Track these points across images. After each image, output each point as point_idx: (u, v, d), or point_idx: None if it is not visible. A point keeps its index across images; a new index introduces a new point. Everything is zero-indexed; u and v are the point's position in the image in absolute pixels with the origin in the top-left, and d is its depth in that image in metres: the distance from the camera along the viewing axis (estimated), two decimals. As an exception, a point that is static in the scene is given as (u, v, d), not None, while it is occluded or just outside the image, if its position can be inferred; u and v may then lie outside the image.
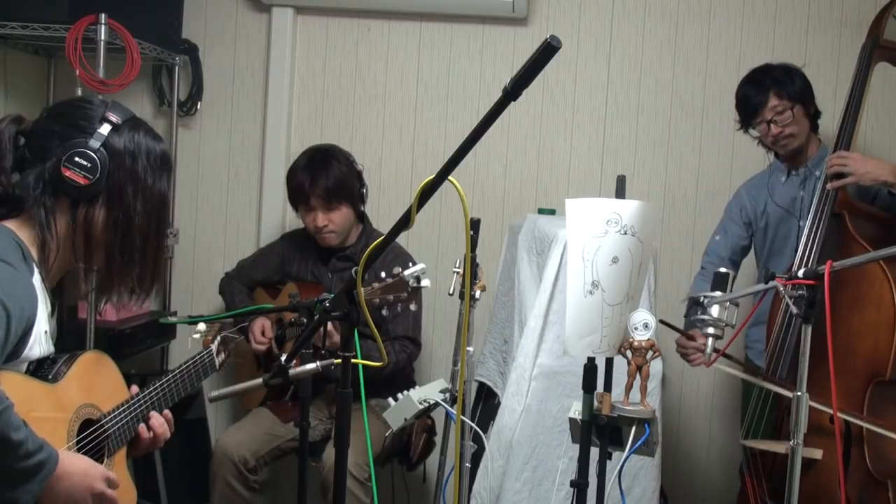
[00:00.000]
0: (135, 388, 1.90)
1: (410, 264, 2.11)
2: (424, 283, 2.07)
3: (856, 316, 2.46)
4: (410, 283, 2.06)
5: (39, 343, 1.62)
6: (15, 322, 1.50)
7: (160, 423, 1.88)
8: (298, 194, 3.09)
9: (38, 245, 1.66)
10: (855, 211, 2.62)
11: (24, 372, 1.62)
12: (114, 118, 1.70)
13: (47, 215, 1.65)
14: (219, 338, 2.25)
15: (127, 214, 1.70)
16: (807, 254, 2.63)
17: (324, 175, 3.04)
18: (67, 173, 1.64)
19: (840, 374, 2.37)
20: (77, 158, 1.64)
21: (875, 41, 2.74)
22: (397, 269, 2.08)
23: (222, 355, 2.23)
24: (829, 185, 2.64)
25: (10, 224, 1.66)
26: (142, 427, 1.85)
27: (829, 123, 3.04)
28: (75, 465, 1.58)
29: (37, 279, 1.63)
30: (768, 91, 2.79)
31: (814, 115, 2.88)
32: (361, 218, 3.21)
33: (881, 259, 2.35)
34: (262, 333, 3.01)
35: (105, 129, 1.68)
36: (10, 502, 1.45)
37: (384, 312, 2.09)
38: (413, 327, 3.10)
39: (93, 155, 1.65)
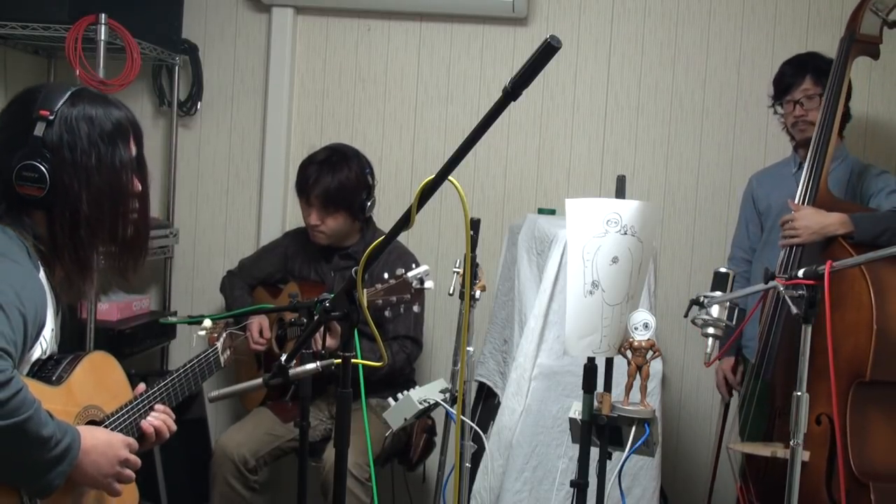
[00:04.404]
0: (141, 386, 1.89)
1: (414, 265, 2.11)
2: (428, 284, 2.07)
3: (837, 316, 2.44)
4: (414, 284, 2.06)
5: (41, 344, 1.63)
6: (31, 326, 1.53)
7: (161, 420, 1.88)
8: (302, 186, 3.08)
9: (33, 246, 1.66)
10: (835, 208, 2.61)
11: (27, 374, 1.62)
12: (46, 112, 1.64)
13: (27, 226, 1.65)
14: (224, 335, 2.25)
15: (77, 205, 1.66)
16: (790, 250, 2.65)
17: (329, 178, 3.01)
18: (23, 190, 1.62)
19: (824, 375, 2.37)
20: (25, 173, 1.62)
21: (852, 35, 2.72)
22: (400, 271, 2.07)
23: (227, 352, 2.23)
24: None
25: (7, 224, 1.65)
26: (145, 423, 1.85)
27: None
28: (97, 437, 1.63)
29: (42, 276, 1.64)
30: (806, 73, 2.83)
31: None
32: (366, 220, 3.20)
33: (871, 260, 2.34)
34: (261, 334, 3.01)
35: (39, 129, 1.64)
36: (46, 485, 1.52)
37: (387, 313, 2.09)
38: (415, 327, 3.10)
39: (36, 164, 1.62)
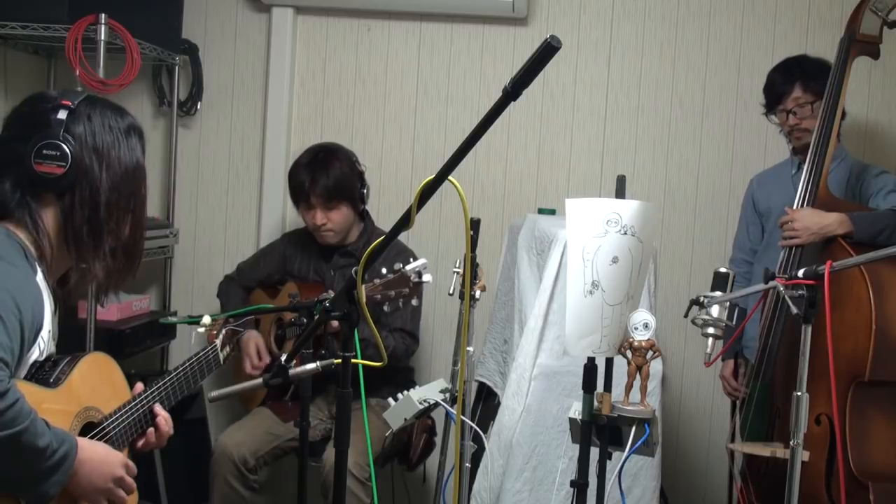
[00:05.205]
0: (140, 386, 1.89)
1: (412, 260, 2.11)
2: (426, 278, 2.08)
3: (836, 317, 2.43)
4: (412, 278, 2.06)
5: (38, 346, 1.63)
6: (27, 331, 1.53)
7: (164, 419, 1.88)
8: (299, 192, 3.10)
9: (34, 244, 1.66)
10: (835, 208, 2.61)
11: (25, 376, 1.62)
12: (68, 102, 1.70)
13: (33, 217, 1.65)
14: (223, 332, 2.25)
15: (97, 185, 1.69)
16: (791, 251, 2.65)
17: (324, 174, 3.05)
18: (41, 168, 1.64)
19: (823, 375, 2.38)
20: (45, 151, 1.64)
21: (852, 36, 2.71)
22: (398, 265, 2.08)
23: (227, 349, 2.23)
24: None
25: (7, 224, 1.65)
26: (150, 431, 1.86)
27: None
28: (95, 451, 1.63)
29: (40, 277, 1.64)
30: (795, 81, 2.82)
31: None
32: (363, 216, 3.22)
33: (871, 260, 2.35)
34: (258, 357, 3.02)
35: (62, 114, 1.68)
36: (42, 494, 1.51)
37: (385, 308, 2.09)
38: (412, 321, 3.10)
39: (58, 143, 1.65)
